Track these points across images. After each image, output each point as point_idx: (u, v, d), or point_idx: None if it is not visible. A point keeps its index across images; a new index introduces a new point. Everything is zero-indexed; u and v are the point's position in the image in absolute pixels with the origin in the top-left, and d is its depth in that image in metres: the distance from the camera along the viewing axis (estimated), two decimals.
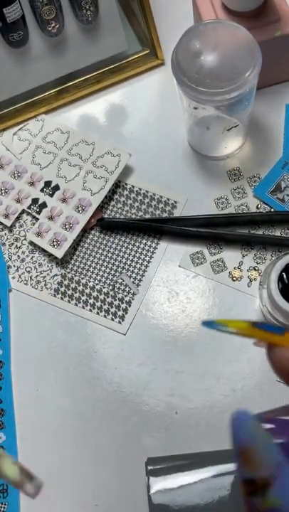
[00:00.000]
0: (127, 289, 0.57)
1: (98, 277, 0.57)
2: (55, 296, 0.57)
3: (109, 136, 0.63)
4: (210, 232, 0.57)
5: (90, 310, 0.56)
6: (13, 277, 0.58)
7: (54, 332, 0.56)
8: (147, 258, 0.58)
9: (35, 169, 0.61)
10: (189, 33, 0.50)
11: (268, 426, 0.50)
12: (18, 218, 0.60)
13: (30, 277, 0.58)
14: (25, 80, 0.63)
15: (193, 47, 0.50)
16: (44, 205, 0.60)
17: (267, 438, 0.27)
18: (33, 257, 0.59)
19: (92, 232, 0.59)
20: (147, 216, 0.59)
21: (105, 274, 0.58)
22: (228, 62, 0.49)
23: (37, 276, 0.58)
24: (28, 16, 0.58)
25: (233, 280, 0.56)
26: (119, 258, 0.58)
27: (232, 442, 0.27)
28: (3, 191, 0.61)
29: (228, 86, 0.48)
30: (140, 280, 0.57)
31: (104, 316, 0.56)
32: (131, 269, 0.58)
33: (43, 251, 0.59)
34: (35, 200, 0.60)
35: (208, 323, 0.29)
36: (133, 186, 0.61)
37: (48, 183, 0.61)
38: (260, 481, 0.26)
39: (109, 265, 0.58)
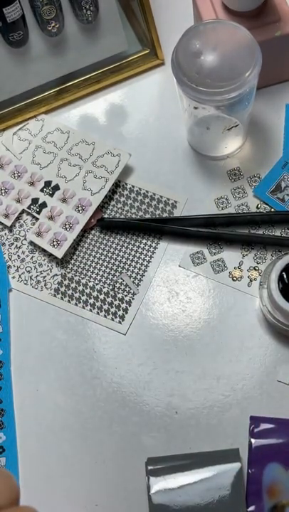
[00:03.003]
0: (127, 288, 0.57)
1: (98, 277, 0.57)
2: (55, 296, 0.57)
3: (109, 136, 0.63)
4: (210, 232, 0.57)
5: (90, 310, 0.56)
6: (13, 277, 0.58)
7: (54, 332, 0.56)
8: (147, 258, 0.58)
9: (35, 169, 0.61)
10: (189, 33, 0.50)
11: (268, 426, 0.51)
12: (18, 218, 0.60)
13: (30, 277, 0.58)
14: (25, 79, 0.63)
15: (193, 47, 0.50)
16: (44, 205, 0.60)
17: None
18: (33, 257, 0.59)
19: (92, 232, 0.59)
20: (147, 216, 0.59)
21: (105, 274, 0.58)
22: (228, 62, 0.49)
23: (37, 276, 0.58)
24: (28, 16, 0.58)
25: (233, 280, 0.56)
26: (119, 258, 0.58)
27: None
28: (3, 191, 0.61)
29: (228, 86, 0.48)
30: (140, 280, 0.57)
31: (105, 316, 0.56)
32: (131, 269, 0.57)
33: (43, 251, 0.59)
34: (35, 200, 0.60)
35: None
36: (133, 186, 0.61)
37: (48, 183, 0.61)
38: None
39: (109, 265, 0.58)
